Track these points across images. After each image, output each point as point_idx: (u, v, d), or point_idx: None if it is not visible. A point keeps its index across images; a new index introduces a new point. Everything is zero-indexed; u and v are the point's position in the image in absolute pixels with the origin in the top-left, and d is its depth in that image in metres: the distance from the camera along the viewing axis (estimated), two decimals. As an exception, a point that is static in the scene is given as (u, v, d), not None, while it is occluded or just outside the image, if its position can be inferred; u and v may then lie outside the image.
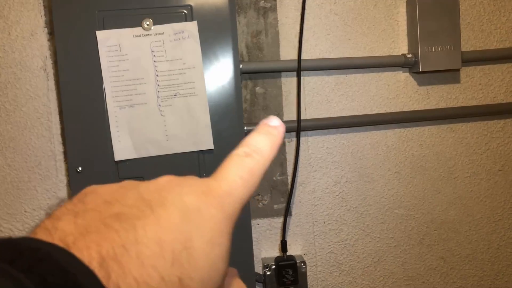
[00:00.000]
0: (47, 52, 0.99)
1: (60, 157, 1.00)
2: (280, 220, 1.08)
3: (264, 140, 0.26)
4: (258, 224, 1.08)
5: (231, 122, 0.94)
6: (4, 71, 0.98)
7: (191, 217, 0.21)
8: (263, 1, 1.03)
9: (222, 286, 0.22)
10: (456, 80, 1.11)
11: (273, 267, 1.02)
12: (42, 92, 0.99)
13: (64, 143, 1.00)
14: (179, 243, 0.19)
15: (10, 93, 0.99)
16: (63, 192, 1.01)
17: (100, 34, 0.89)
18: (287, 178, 1.07)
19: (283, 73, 1.05)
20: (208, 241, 0.20)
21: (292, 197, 1.07)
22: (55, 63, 0.98)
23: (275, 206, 1.08)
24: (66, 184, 1.01)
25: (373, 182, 1.11)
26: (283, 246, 1.05)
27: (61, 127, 1.00)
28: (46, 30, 0.98)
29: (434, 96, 1.10)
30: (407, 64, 1.06)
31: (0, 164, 0.99)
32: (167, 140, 0.92)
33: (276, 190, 1.07)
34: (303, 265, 1.04)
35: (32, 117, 1.00)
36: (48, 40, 0.99)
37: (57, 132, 1.00)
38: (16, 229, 1.01)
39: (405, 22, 1.08)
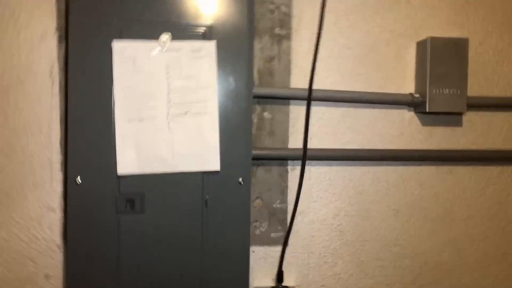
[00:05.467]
0: (55, 57, 0.96)
1: (57, 165, 0.96)
2: (275, 249, 1.05)
3: None
4: (253, 252, 1.05)
5: (239, 145, 0.93)
6: (7, 74, 0.95)
7: None
8: (278, 28, 1.04)
9: None
10: (459, 124, 1.13)
11: (268, 297, 0.99)
12: (45, 98, 0.96)
13: (63, 152, 0.96)
14: None
15: (11, 96, 0.95)
16: (55, 202, 0.96)
17: (117, 44, 0.87)
18: (286, 207, 1.06)
19: (292, 101, 1.05)
20: None
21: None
22: (63, 69, 0.95)
23: (272, 234, 1.06)
24: (61, 194, 0.96)
25: (372, 218, 1.10)
26: (279, 276, 1.02)
27: (62, 136, 0.96)
28: (56, 34, 0.96)
29: (436, 137, 1.12)
30: (413, 103, 1.07)
31: (-8, 168, 0.95)
32: (173, 157, 0.90)
33: (275, 217, 1.05)
34: (298, 297, 1.02)
35: (32, 123, 0.96)
36: (57, 45, 0.96)
37: (57, 140, 0.96)
38: (1, 237, 0.95)
39: (413, 63, 1.10)
